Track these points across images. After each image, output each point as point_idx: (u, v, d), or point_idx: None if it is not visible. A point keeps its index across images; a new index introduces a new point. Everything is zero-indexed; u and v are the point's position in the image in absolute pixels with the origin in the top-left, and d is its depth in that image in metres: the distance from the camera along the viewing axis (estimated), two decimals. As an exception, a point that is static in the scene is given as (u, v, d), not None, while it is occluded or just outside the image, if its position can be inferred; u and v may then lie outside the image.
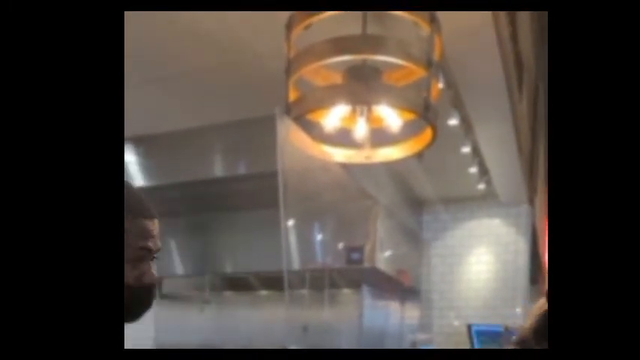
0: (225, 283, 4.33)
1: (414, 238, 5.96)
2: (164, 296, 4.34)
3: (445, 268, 6.10)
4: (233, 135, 3.35)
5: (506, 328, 5.16)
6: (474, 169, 4.93)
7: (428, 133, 2.62)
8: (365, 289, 4.23)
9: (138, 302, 0.92)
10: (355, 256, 4.07)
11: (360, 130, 2.61)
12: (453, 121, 3.86)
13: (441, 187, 5.57)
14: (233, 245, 3.99)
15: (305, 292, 3.75)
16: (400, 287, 5.04)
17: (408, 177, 5.33)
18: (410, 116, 2.54)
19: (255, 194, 3.51)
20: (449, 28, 2.54)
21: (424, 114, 2.42)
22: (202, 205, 3.84)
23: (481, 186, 5.34)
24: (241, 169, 3.46)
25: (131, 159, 3.49)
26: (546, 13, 1.08)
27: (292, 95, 2.51)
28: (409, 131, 2.71)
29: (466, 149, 4.46)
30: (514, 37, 3.08)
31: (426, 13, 2.37)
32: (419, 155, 2.86)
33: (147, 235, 0.92)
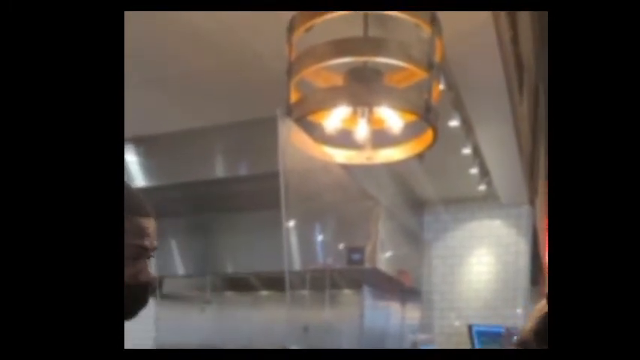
0: (226, 283, 4.34)
1: (414, 239, 5.97)
2: (165, 296, 4.35)
3: (446, 269, 6.11)
4: (234, 136, 3.36)
5: (507, 330, 5.17)
6: (474, 170, 4.94)
7: (429, 135, 2.62)
8: (366, 289, 4.24)
9: (134, 300, 0.92)
10: (356, 256, 4.08)
11: (361, 131, 2.62)
12: (454, 123, 3.87)
13: (442, 188, 5.58)
14: (234, 246, 4.00)
15: (306, 292, 3.76)
16: (401, 288, 5.05)
17: (409, 178, 5.34)
18: (411, 118, 2.55)
19: (256, 195, 3.51)
20: (450, 30, 2.54)
21: (425, 115, 2.43)
22: (203, 206, 3.85)
23: (482, 187, 5.35)
24: (242, 170, 3.47)
25: (132, 159, 3.50)
26: (546, 13, 1.08)
27: (293, 97, 2.51)
28: (410, 132, 2.71)
29: (467, 150, 4.47)
30: (515, 39, 3.08)
31: (427, 16, 2.38)
32: (420, 156, 2.86)
33: (143, 233, 0.93)
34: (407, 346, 5.21)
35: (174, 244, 4.12)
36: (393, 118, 2.56)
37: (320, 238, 4.24)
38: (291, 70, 2.48)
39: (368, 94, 2.48)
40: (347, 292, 4.24)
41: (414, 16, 2.35)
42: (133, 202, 0.92)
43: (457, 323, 5.91)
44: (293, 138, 2.78)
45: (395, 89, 2.55)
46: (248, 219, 3.84)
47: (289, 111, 2.53)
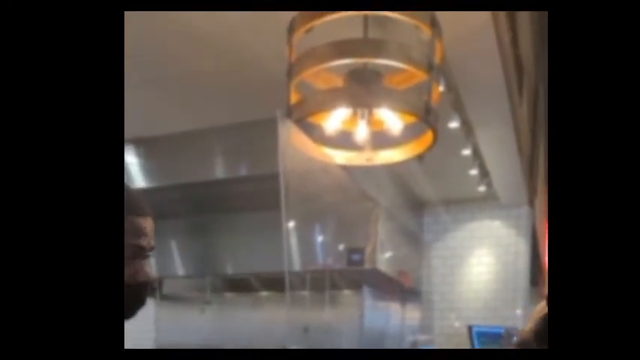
0: (226, 284, 4.34)
1: (414, 240, 5.97)
2: (165, 297, 4.35)
3: (446, 270, 6.11)
4: (234, 137, 3.36)
5: (507, 330, 5.17)
6: (474, 171, 4.94)
7: (429, 136, 2.63)
8: (366, 290, 4.24)
9: (132, 300, 0.93)
10: (356, 257, 4.08)
11: (361, 132, 2.62)
12: (454, 124, 3.87)
13: (442, 189, 5.58)
14: (234, 246, 4.00)
15: (306, 293, 3.76)
16: (401, 288, 5.05)
17: (408, 179, 5.34)
18: (411, 119, 2.56)
19: (256, 196, 3.51)
20: (449, 32, 2.55)
21: (425, 117, 2.43)
22: (203, 207, 3.85)
23: (482, 188, 5.36)
24: (242, 171, 3.47)
25: (132, 160, 3.50)
26: (546, 14, 1.08)
27: (293, 98, 2.52)
28: (410, 134, 2.72)
29: (467, 151, 4.48)
30: (514, 40, 3.09)
31: (427, 17, 2.38)
32: (420, 157, 2.87)
33: (140, 232, 0.93)
34: (407, 346, 5.22)
35: (174, 245, 4.13)
36: (392, 120, 2.56)
37: (320, 238, 4.24)
38: (291, 71, 2.49)
39: (368, 95, 2.48)
40: (347, 292, 4.25)
41: (413, 17, 2.35)
42: (130, 202, 0.92)
43: (457, 324, 5.92)
44: (293, 139, 2.79)
45: (395, 91, 2.55)
46: (248, 220, 3.84)
47: (289, 112, 2.54)
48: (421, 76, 2.46)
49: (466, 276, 6.08)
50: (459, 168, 4.88)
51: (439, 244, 6.17)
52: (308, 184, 3.14)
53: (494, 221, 6.01)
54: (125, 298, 0.89)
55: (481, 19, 2.78)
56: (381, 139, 2.75)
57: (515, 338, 4.11)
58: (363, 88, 2.49)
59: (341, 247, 4.21)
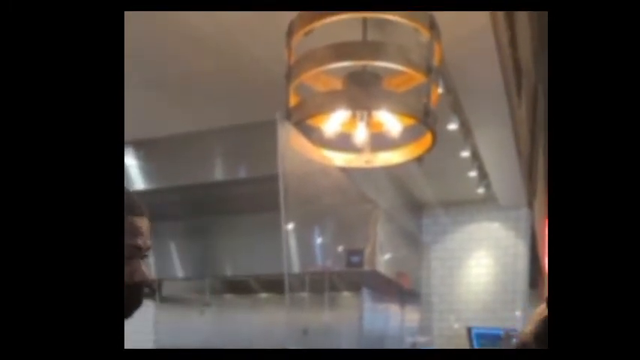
0: (225, 286, 4.34)
1: (413, 242, 5.97)
2: (164, 299, 4.34)
3: (445, 271, 6.12)
4: (234, 139, 3.36)
5: (506, 332, 5.17)
6: (473, 173, 4.95)
7: (428, 138, 2.64)
8: (365, 291, 4.24)
9: (128, 299, 0.93)
10: (355, 259, 4.08)
11: (360, 134, 2.63)
12: (453, 126, 3.88)
13: (441, 190, 5.59)
14: (233, 248, 4.00)
15: (305, 294, 3.76)
16: (400, 290, 5.05)
17: (407, 181, 5.35)
18: (410, 121, 2.56)
19: (255, 198, 3.51)
20: (448, 34, 2.56)
21: (424, 119, 2.44)
22: (203, 209, 3.84)
23: (480, 190, 5.37)
24: (242, 173, 3.46)
25: (131, 162, 3.50)
26: (546, 16, 1.07)
27: (293, 100, 2.53)
28: (409, 136, 2.73)
29: (465, 153, 4.49)
30: (513, 42, 3.10)
31: (426, 20, 2.39)
32: (419, 159, 2.87)
33: (136, 232, 0.93)
34: (406, 348, 5.22)
35: (173, 247, 4.12)
36: (391, 122, 2.57)
37: (319, 240, 4.24)
38: (290, 73, 2.49)
39: (367, 98, 2.49)
40: (346, 294, 4.24)
41: (412, 20, 2.36)
42: (126, 202, 0.92)
43: (456, 325, 5.92)
44: (292, 141, 2.79)
45: (394, 93, 2.56)
46: (247, 222, 3.84)
47: (288, 115, 2.55)
48: (420, 78, 2.46)
49: (465, 278, 6.08)
50: (458, 170, 4.89)
51: (438, 246, 6.17)
52: (307, 186, 3.14)
53: (493, 223, 6.02)
54: None
55: (480, 21, 2.79)
56: (380, 141, 2.76)
57: (514, 340, 4.12)
58: (362, 91, 2.50)
59: (340, 248, 4.21)
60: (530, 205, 5.36)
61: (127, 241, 0.91)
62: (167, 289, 4.38)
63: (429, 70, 2.41)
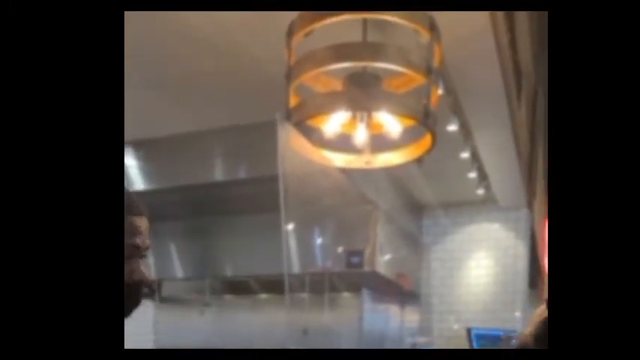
0: (225, 286, 4.33)
1: (413, 242, 5.97)
2: (164, 299, 4.34)
3: (445, 272, 6.12)
4: (234, 139, 3.36)
5: (506, 333, 5.17)
6: (473, 174, 4.96)
7: (427, 139, 2.64)
8: (365, 292, 4.24)
9: (126, 299, 0.93)
10: (355, 259, 4.08)
11: (360, 135, 2.63)
12: (453, 127, 3.89)
13: (441, 191, 5.59)
14: (233, 249, 3.99)
15: (305, 295, 3.75)
16: (400, 291, 5.05)
17: (407, 182, 5.35)
18: (410, 122, 2.57)
19: (255, 198, 3.51)
20: (448, 36, 2.56)
21: (424, 120, 2.45)
22: (203, 209, 3.84)
23: (480, 191, 5.37)
24: (242, 173, 3.46)
25: (131, 162, 3.50)
26: (546, 17, 1.07)
27: (293, 101, 2.53)
28: (409, 137, 2.73)
29: (465, 154, 4.49)
30: (513, 43, 3.10)
31: (426, 21, 2.39)
32: (419, 160, 2.88)
33: (135, 231, 0.94)
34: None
35: (173, 247, 4.12)
36: (391, 123, 2.57)
37: (319, 241, 4.24)
38: (290, 74, 2.50)
39: (367, 99, 2.49)
40: (346, 295, 4.24)
41: (412, 21, 2.36)
42: (126, 202, 0.92)
43: (456, 326, 5.92)
44: (292, 142, 2.79)
45: (394, 94, 2.57)
46: (247, 222, 3.84)
47: (288, 115, 2.55)
48: (420, 79, 2.47)
49: (465, 278, 6.08)
50: (458, 171, 4.89)
51: (438, 247, 6.17)
52: (307, 187, 3.14)
53: (492, 224, 6.02)
54: None
55: (479, 22, 2.79)
56: (380, 142, 2.76)
57: (514, 342, 4.12)
58: (362, 92, 2.50)
59: (340, 249, 4.21)
60: (530, 205, 5.36)
61: (126, 240, 0.92)
62: (167, 290, 4.38)
63: (429, 72, 2.41)
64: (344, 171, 3.31)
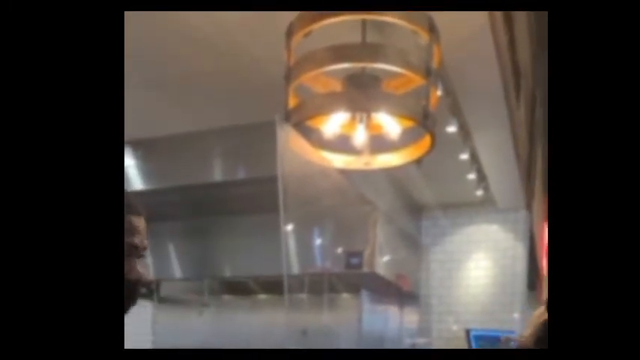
0: (224, 286, 4.33)
1: (413, 244, 5.97)
2: (162, 300, 4.34)
3: (444, 273, 6.12)
4: (233, 139, 3.36)
5: (505, 335, 5.17)
6: (472, 176, 4.96)
7: (427, 140, 2.64)
8: (364, 293, 4.24)
9: (124, 298, 0.93)
10: (354, 260, 4.08)
11: (360, 136, 2.63)
12: (452, 128, 3.89)
13: (440, 193, 5.60)
14: (232, 249, 3.99)
15: (304, 296, 3.75)
16: (399, 292, 5.05)
17: (407, 183, 5.36)
18: (409, 123, 2.57)
19: (254, 199, 3.51)
20: (447, 37, 2.56)
21: (423, 121, 2.44)
22: (202, 209, 3.84)
23: (479, 192, 5.37)
24: (241, 174, 3.46)
25: (130, 162, 3.50)
26: (545, 19, 1.07)
27: (292, 102, 2.53)
28: (408, 138, 2.73)
29: (464, 156, 4.49)
30: (512, 45, 3.11)
31: (425, 22, 2.39)
32: (418, 162, 2.88)
33: (134, 231, 0.94)
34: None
35: (172, 248, 4.12)
36: (391, 124, 2.57)
37: (318, 242, 4.24)
38: (289, 75, 2.50)
39: (366, 100, 2.49)
40: (345, 295, 4.24)
41: (412, 22, 2.36)
42: (124, 201, 0.93)
43: (455, 327, 5.92)
44: (291, 142, 2.79)
45: (393, 95, 2.57)
46: (246, 222, 3.84)
47: (288, 116, 2.55)
48: (419, 80, 2.47)
49: (464, 280, 6.08)
50: (457, 172, 4.90)
51: (437, 248, 6.17)
52: (306, 188, 3.14)
53: (491, 225, 6.02)
54: None
55: (479, 23, 2.80)
56: (379, 143, 2.76)
57: (513, 344, 4.12)
58: (361, 93, 2.50)
59: (339, 250, 4.21)
60: (529, 207, 5.37)
61: (125, 239, 0.92)
62: (165, 290, 4.37)
63: (428, 73, 2.41)
64: (343, 172, 3.31)
